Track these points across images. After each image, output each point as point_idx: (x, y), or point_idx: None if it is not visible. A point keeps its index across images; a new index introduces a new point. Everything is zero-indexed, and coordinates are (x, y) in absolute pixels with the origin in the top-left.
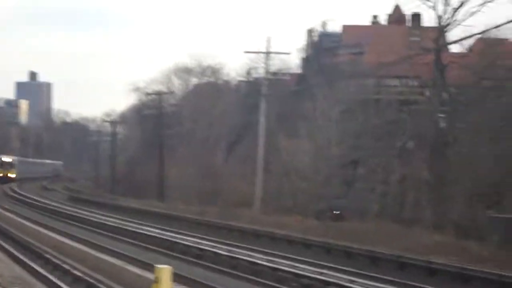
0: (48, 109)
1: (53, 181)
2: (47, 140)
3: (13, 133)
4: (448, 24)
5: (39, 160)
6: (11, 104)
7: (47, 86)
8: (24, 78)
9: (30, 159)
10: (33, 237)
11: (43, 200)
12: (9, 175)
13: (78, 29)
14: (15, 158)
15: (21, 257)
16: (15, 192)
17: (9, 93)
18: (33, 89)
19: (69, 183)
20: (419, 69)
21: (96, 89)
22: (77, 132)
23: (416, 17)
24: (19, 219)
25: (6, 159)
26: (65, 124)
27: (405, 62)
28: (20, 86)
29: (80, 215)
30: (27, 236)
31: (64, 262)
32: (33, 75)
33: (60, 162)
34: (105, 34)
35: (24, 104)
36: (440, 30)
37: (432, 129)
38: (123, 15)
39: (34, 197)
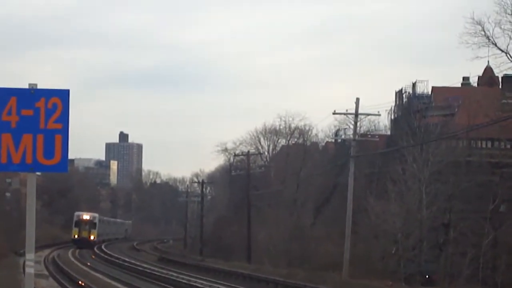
0: (138, 170)
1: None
2: (136, 200)
3: (103, 194)
4: None
5: (112, 219)
6: (102, 165)
7: (138, 147)
8: (115, 139)
9: (105, 218)
10: None
11: (132, 261)
12: (89, 237)
13: (167, 90)
14: (96, 215)
15: None
16: (104, 252)
17: (100, 154)
18: (123, 150)
19: (158, 243)
20: (511, 132)
21: (185, 149)
22: (166, 193)
23: (508, 79)
24: (107, 280)
25: (86, 216)
26: (154, 185)
27: (497, 125)
28: (110, 147)
29: (169, 277)
30: None
31: None
32: (123, 136)
33: (129, 222)
34: (193, 95)
35: (114, 165)
36: None
37: None
38: (211, 77)
39: (123, 258)
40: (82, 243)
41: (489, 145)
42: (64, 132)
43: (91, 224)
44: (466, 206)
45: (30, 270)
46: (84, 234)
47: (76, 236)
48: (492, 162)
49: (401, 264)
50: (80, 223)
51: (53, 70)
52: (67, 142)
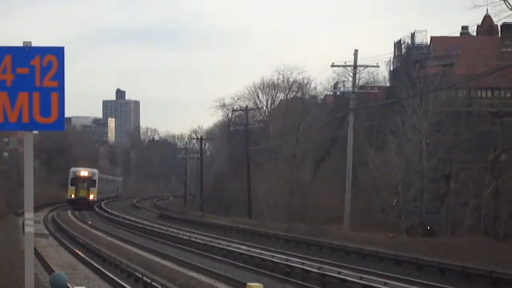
0: (136, 127)
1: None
2: (134, 158)
3: (101, 152)
4: None
5: (104, 176)
6: (99, 123)
7: (135, 104)
8: (112, 96)
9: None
10: (123, 255)
11: (132, 219)
12: (88, 196)
13: (163, 47)
14: (96, 171)
15: (111, 275)
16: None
17: (97, 112)
18: (121, 107)
19: (158, 200)
20: (511, 81)
21: (183, 106)
22: (164, 150)
23: (507, 27)
24: (108, 238)
25: (84, 172)
26: (153, 142)
27: (497, 74)
28: (107, 104)
29: (170, 233)
30: (116, 254)
31: (154, 280)
32: (120, 93)
33: (120, 179)
34: (191, 51)
35: (111, 123)
36: None
37: None
38: (208, 32)
39: (123, 215)
40: (80, 204)
41: (489, 94)
42: (60, 89)
43: (90, 181)
44: (466, 156)
45: (29, 229)
46: (82, 193)
47: (72, 196)
48: (492, 111)
49: (402, 216)
50: (77, 180)
51: (47, 28)
52: (63, 100)
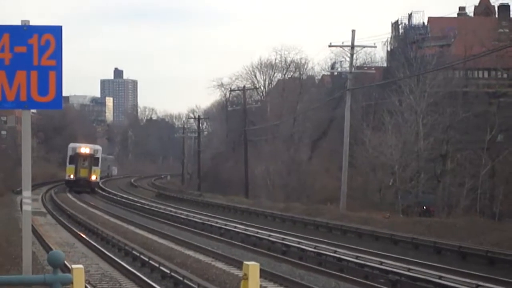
0: (134, 106)
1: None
2: (132, 137)
3: (99, 131)
4: None
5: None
6: (97, 102)
7: (133, 83)
8: (110, 75)
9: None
10: (120, 234)
11: (130, 198)
12: (90, 177)
13: (162, 26)
14: (99, 148)
15: (109, 254)
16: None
17: (95, 91)
18: (119, 86)
19: (156, 180)
20: (508, 61)
21: (181, 86)
22: (162, 129)
23: (504, 8)
24: (106, 216)
25: (85, 149)
26: (151, 121)
27: (494, 54)
28: (105, 83)
29: (167, 212)
30: (114, 232)
31: (151, 259)
32: (118, 72)
33: (111, 157)
34: (189, 31)
35: (109, 102)
36: None
37: None
38: (206, 12)
39: (121, 194)
40: (80, 185)
41: (486, 75)
42: (58, 68)
43: (92, 159)
44: (463, 136)
45: (27, 207)
46: (83, 173)
47: (71, 176)
48: (489, 92)
49: (399, 196)
50: (77, 158)
51: (45, 7)
52: (61, 79)
